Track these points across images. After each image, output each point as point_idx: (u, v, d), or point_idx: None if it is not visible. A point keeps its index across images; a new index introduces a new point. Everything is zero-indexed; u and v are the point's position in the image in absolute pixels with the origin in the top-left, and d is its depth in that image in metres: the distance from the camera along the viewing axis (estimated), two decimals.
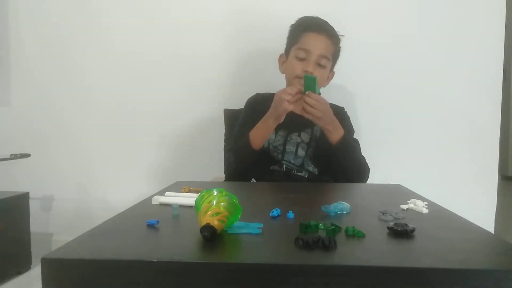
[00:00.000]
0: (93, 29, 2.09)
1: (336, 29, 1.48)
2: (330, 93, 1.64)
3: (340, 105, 1.57)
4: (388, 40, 1.94)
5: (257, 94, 1.59)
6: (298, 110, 1.30)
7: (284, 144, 1.42)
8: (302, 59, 1.41)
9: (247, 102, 1.58)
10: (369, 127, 1.89)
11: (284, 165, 1.41)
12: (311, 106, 1.26)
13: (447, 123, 1.95)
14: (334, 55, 1.49)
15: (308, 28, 1.44)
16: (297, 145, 1.43)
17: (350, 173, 1.38)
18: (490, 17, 1.91)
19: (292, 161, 1.42)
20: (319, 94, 1.27)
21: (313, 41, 1.42)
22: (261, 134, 1.36)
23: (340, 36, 1.50)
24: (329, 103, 1.54)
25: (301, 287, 0.51)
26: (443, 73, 1.94)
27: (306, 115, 1.29)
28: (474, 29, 1.92)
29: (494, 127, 1.95)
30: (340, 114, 1.49)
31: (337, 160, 1.37)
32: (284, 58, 1.52)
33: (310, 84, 1.27)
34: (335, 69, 1.55)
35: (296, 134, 1.44)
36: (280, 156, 1.41)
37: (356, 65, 1.91)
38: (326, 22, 1.47)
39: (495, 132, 1.95)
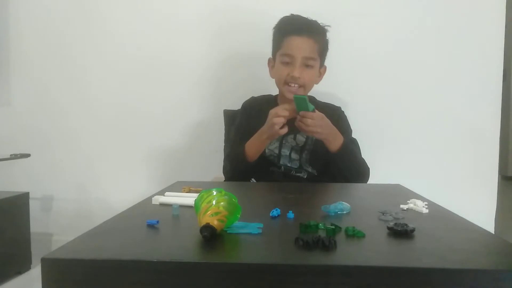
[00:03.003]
0: (93, 29, 2.09)
1: (320, 22, 1.44)
2: (330, 92, 1.64)
3: (338, 104, 1.57)
4: (388, 40, 1.94)
5: (252, 98, 1.58)
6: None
7: (280, 147, 1.42)
8: (287, 63, 1.40)
9: (242, 106, 1.57)
10: (368, 127, 1.89)
11: (283, 167, 1.40)
12: (307, 125, 1.25)
13: (447, 123, 1.95)
14: (321, 51, 1.44)
15: (288, 32, 1.41)
16: (291, 148, 1.43)
17: (350, 176, 1.37)
18: (490, 17, 1.91)
19: (288, 164, 1.41)
20: (313, 110, 1.26)
21: (294, 45, 1.39)
22: (255, 148, 1.35)
23: (326, 27, 1.45)
24: (325, 103, 1.53)
25: (301, 287, 0.51)
26: (443, 73, 1.94)
27: (304, 132, 1.30)
28: (474, 29, 1.92)
29: (494, 127, 1.95)
30: (336, 115, 1.48)
31: (337, 166, 1.36)
32: (272, 62, 1.50)
33: (301, 104, 1.25)
34: (332, 63, 1.52)
35: (292, 136, 1.43)
36: (276, 159, 1.41)
37: (356, 65, 1.91)
38: (306, 19, 1.43)
39: (495, 132, 1.95)
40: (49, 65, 2.13)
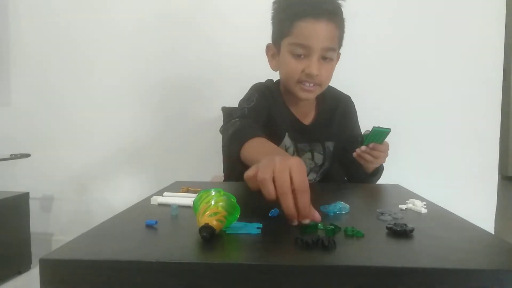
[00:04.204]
0: (93, 29, 2.09)
1: None
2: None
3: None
4: (387, 40, 1.94)
5: (264, 84, 1.29)
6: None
7: None
8: (300, 56, 1.10)
9: (258, 89, 1.24)
10: (368, 127, 1.89)
11: None
12: (375, 157, 1.12)
13: (447, 123, 1.95)
14: (341, 38, 1.16)
15: (302, 13, 1.07)
16: (310, 170, 1.25)
17: (368, 182, 1.29)
18: (490, 17, 1.91)
19: None
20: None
21: (311, 32, 1.07)
22: (249, 160, 0.90)
23: (340, 2, 1.13)
24: (336, 92, 1.34)
25: (300, 287, 0.51)
26: (443, 73, 1.95)
27: (363, 163, 1.16)
28: (474, 29, 1.92)
29: (494, 127, 1.95)
30: (348, 106, 1.34)
31: (364, 181, 1.25)
32: (273, 50, 1.19)
33: (378, 137, 1.09)
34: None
35: (309, 156, 1.24)
36: None
37: (356, 65, 1.91)
38: None
39: (495, 132, 1.95)
40: (49, 65, 2.13)
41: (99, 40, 2.09)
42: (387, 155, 1.15)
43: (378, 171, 1.24)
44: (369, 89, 1.94)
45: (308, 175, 1.23)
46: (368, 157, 1.11)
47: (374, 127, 1.08)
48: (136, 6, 2.06)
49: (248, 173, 0.71)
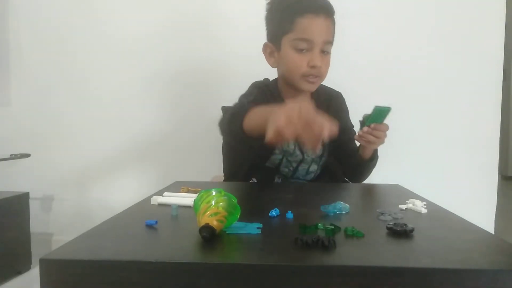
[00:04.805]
0: (93, 29, 2.09)
1: None
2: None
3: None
4: (387, 39, 1.94)
5: (263, 83, 1.33)
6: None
7: (299, 162, 1.27)
8: (302, 50, 1.15)
9: (257, 87, 1.29)
10: None
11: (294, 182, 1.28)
12: (378, 137, 1.14)
13: (447, 123, 1.95)
14: (334, 32, 1.23)
15: (302, 10, 1.14)
16: (312, 161, 1.29)
17: (363, 177, 1.31)
18: (490, 17, 1.91)
19: (301, 178, 1.29)
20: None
21: (313, 27, 1.14)
22: (256, 127, 0.91)
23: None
24: (326, 88, 1.38)
25: (300, 287, 0.51)
26: (443, 72, 1.94)
27: (365, 145, 1.19)
28: (474, 29, 1.92)
29: (494, 127, 1.95)
30: (338, 103, 1.38)
31: (360, 169, 1.28)
32: (271, 48, 1.23)
33: (379, 116, 1.12)
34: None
35: None
36: (290, 173, 1.27)
37: (355, 64, 1.91)
38: None
39: (495, 132, 1.95)
40: (49, 65, 2.13)
41: (99, 40, 2.09)
42: (386, 136, 1.18)
43: (374, 157, 1.27)
44: (368, 89, 1.94)
45: (310, 167, 1.28)
46: (370, 137, 1.14)
47: (376, 106, 1.11)
48: (139, 7, 2.06)
49: (269, 136, 0.75)
